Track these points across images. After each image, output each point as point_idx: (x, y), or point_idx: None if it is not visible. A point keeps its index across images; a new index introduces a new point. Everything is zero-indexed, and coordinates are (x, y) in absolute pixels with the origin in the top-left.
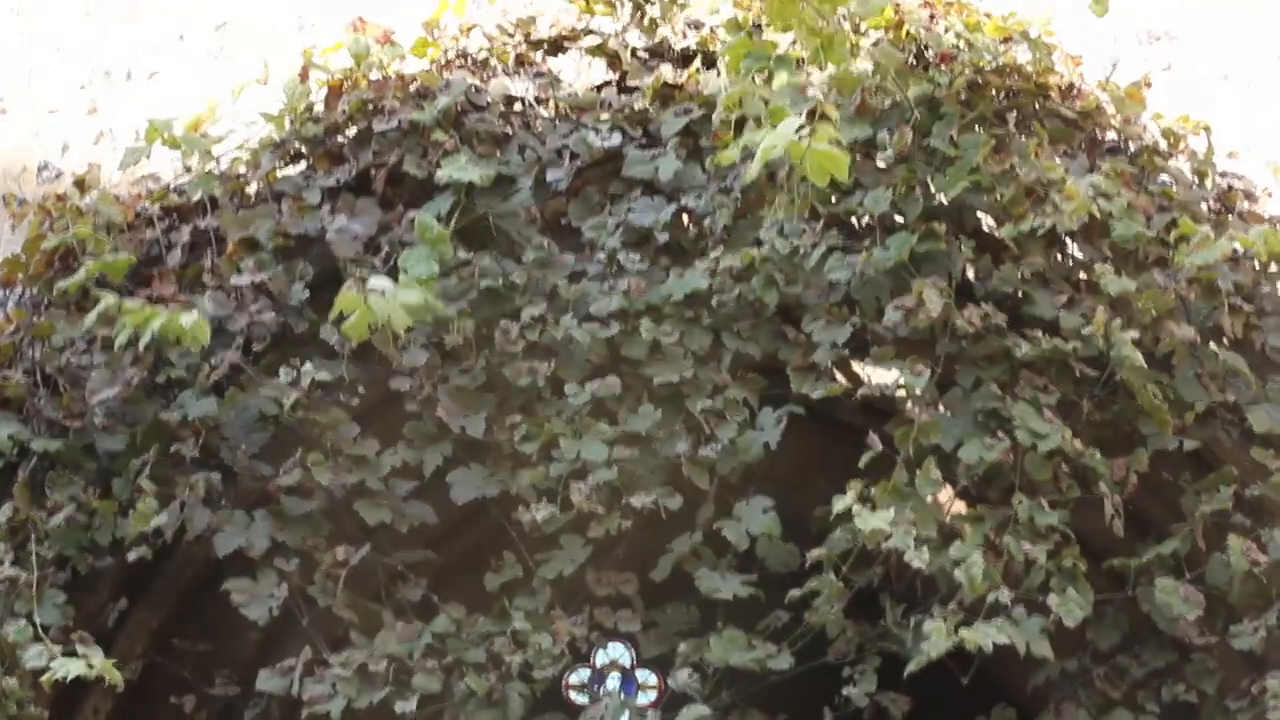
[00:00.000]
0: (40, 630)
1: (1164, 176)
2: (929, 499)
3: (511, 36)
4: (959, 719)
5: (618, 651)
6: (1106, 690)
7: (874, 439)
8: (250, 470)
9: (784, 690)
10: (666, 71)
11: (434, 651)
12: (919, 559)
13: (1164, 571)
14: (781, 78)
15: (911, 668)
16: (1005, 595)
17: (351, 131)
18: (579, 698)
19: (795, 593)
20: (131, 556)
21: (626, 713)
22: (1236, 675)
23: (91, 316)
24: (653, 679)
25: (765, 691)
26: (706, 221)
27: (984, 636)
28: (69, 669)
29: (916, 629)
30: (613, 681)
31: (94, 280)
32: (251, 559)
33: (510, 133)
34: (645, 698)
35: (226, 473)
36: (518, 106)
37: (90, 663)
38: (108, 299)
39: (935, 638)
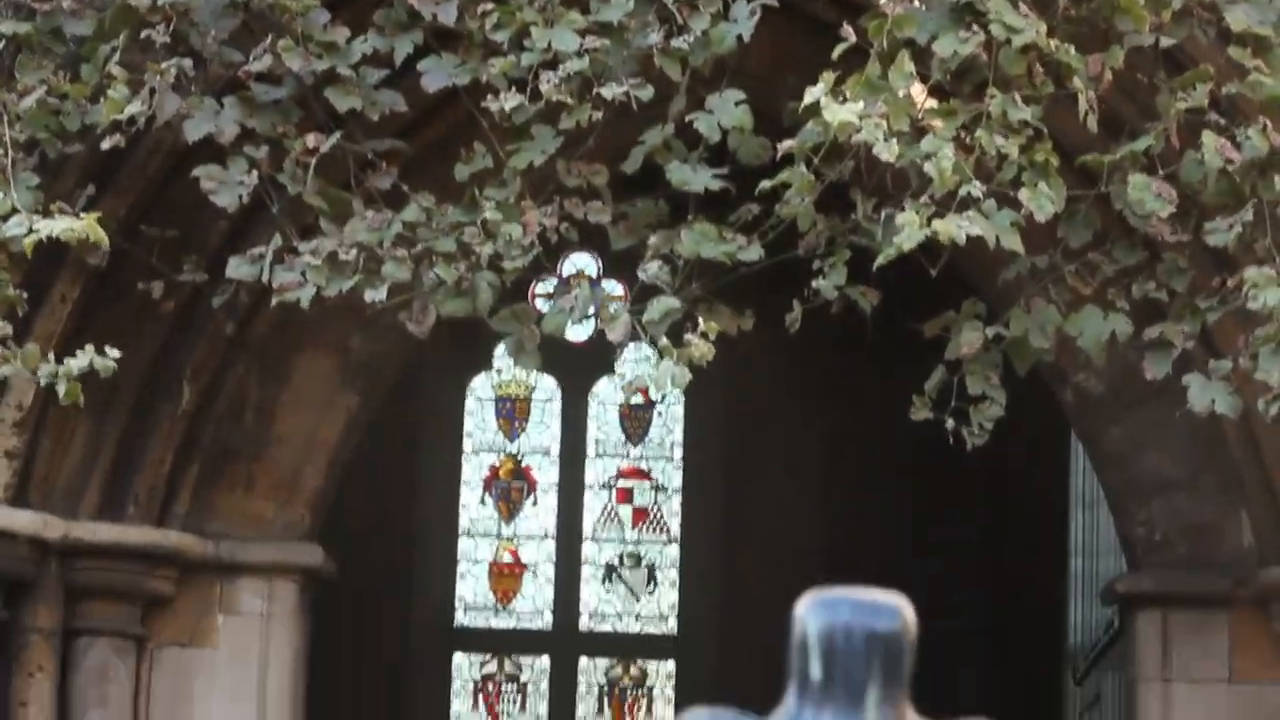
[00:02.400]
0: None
1: None
2: (901, 93)
3: None
4: (928, 315)
5: (584, 262)
6: (1077, 287)
7: (847, 31)
8: (220, 56)
9: (753, 284)
10: None
11: (404, 240)
12: (888, 151)
13: (1137, 168)
14: None
15: (881, 260)
16: (976, 189)
17: None
18: (546, 306)
19: (766, 185)
20: (105, 145)
21: (595, 302)
22: (1206, 274)
23: None
24: (619, 289)
25: (734, 285)
26: None
27: (956, 228)
28: (52, 228)
29: (887, 223)
30: (583, 282)
31: None
32: (221, 146)
33: None
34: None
35: (196, 59)
36: None
37: (71, 226)
38: None
39: (909, 229)
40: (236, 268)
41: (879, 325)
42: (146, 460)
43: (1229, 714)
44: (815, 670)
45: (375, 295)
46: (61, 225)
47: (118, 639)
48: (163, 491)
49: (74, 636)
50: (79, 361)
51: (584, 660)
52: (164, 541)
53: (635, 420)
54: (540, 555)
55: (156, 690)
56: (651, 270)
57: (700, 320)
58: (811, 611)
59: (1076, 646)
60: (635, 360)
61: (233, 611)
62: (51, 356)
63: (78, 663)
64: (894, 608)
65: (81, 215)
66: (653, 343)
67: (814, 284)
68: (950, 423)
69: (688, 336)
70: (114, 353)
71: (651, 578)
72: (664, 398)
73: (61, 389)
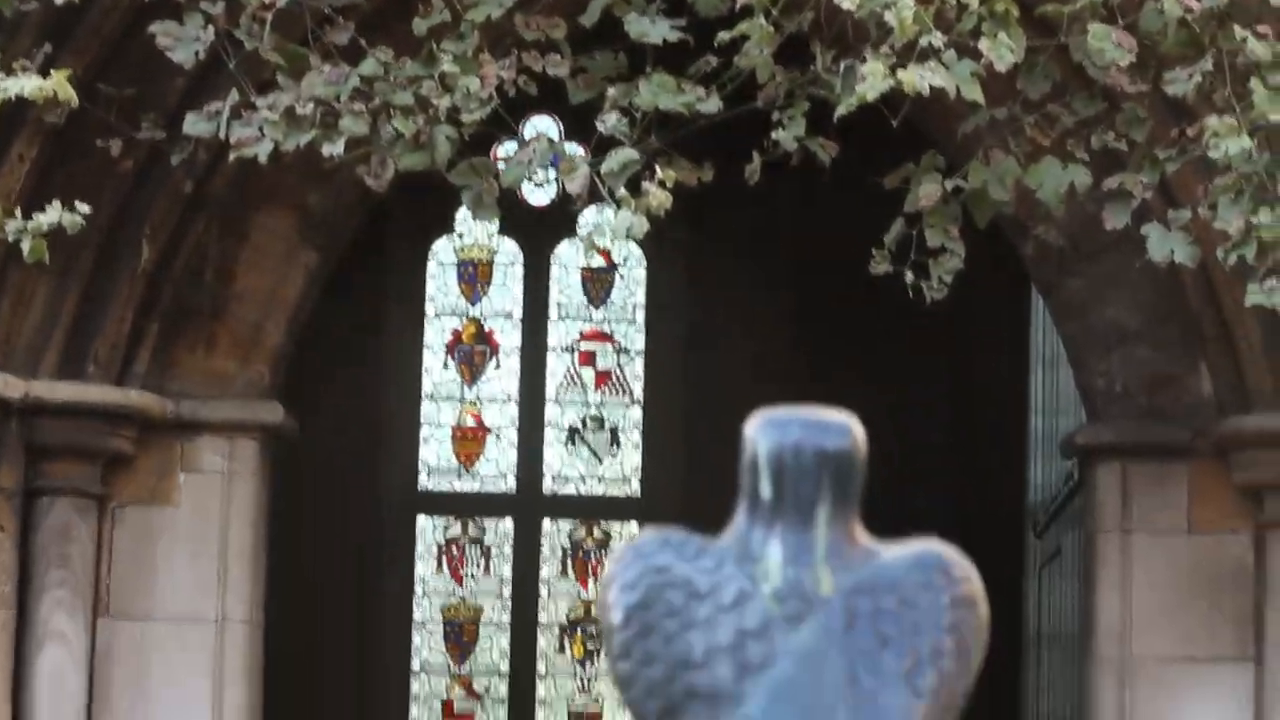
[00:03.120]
0: None
1: None
2: None
3: None
4: (888, 169)
5: (545, 125)
6: (1036, 138)
7: None
8: None
9: (712, 139)
10: None
11: (361, 95)
12: (849, 1)
13: (1096, 18)
14: None
15: (842, 110)
16: (937, 39)
17: None
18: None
19: (725, 36)
20: (60, 1)
21: (555, 155)
22: (1165, 124)
23: None
24: (579, 150)
25: (693, 137)
26: None
27: (919, 79)
28: (21, 87)
29: (846, 75)
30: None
31: None
32: (177, 2)
33: None
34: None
35: None
36: None
37: (40, 84)
38: None
39: (872, 79)
40: (194, 124)
41: (839, 181)
42: (106, 319)
43: (1188, 564)
44: (765, 489)
45: (333, 149)
46: (30, 84)
47: (79, 498)
48: (123, 350)
49: (35, 496)
50: (47, 217)
51: (547, 523)
52: (124, 400)
53: (597, 283)
54: (503, 419)
55: (118, 549)
56: (610, 122)
57: (658, 170)
58: (761, 431)
59: (1037, 503)
60: (596, 225)
61: (194, 470)
62: (18, 213)
63: (39, 522)
64: (844, 426)
65: (48, 74)
66: (611, 195)
67: (773, 135)
68: (910, 276)
69: (645, 185)
70: (83, 208)
71: (615, 440)
72: (626, 260)
73: (26, 246)
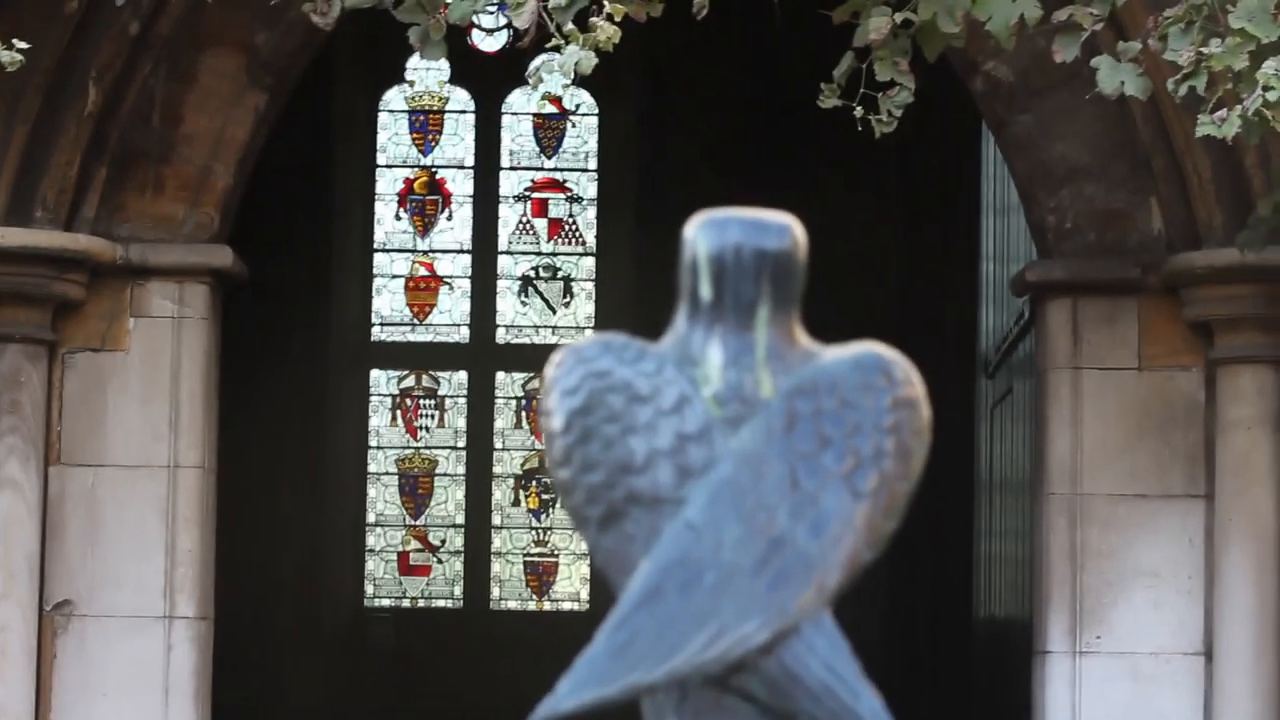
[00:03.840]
0: None
1: None
2: None
3: None
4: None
5: None
6: None
7: None
8: None
9: None
10: None
11: None
12: None
13: None
14: None
15: None
16: None
17: None
18: None
19: None
20: None
21: None
22: None
23: None
24: None
25: None
26: None
27: None
28: None
29: None
30: None
31: None
32: None
33: None
34: None
35: None
36: None
37: None
38: None
39: None
40: None
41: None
42: (53, 163)
43: (1138, 400)
44: (705, 291)
45: None
46: None
47: (29, 344)
48: (71, 195)
49: None
50: None
51: (501, 375)
52: (73, 245)
53: (549, 131)
54: (456, 269)
55: (69, 394)
56: None
57: (606, 4)
58: (701, 232)
59: (988, 348)
60: (544, 62)
61: (143, 314)
62: None
63: None
64: (783, 226)
65: None
66: (559, 30)
67: None
68: (859, 110)
69: (594, 20)
70: (21, 44)
71: (568, 290)
72: (578, 108)
73: None
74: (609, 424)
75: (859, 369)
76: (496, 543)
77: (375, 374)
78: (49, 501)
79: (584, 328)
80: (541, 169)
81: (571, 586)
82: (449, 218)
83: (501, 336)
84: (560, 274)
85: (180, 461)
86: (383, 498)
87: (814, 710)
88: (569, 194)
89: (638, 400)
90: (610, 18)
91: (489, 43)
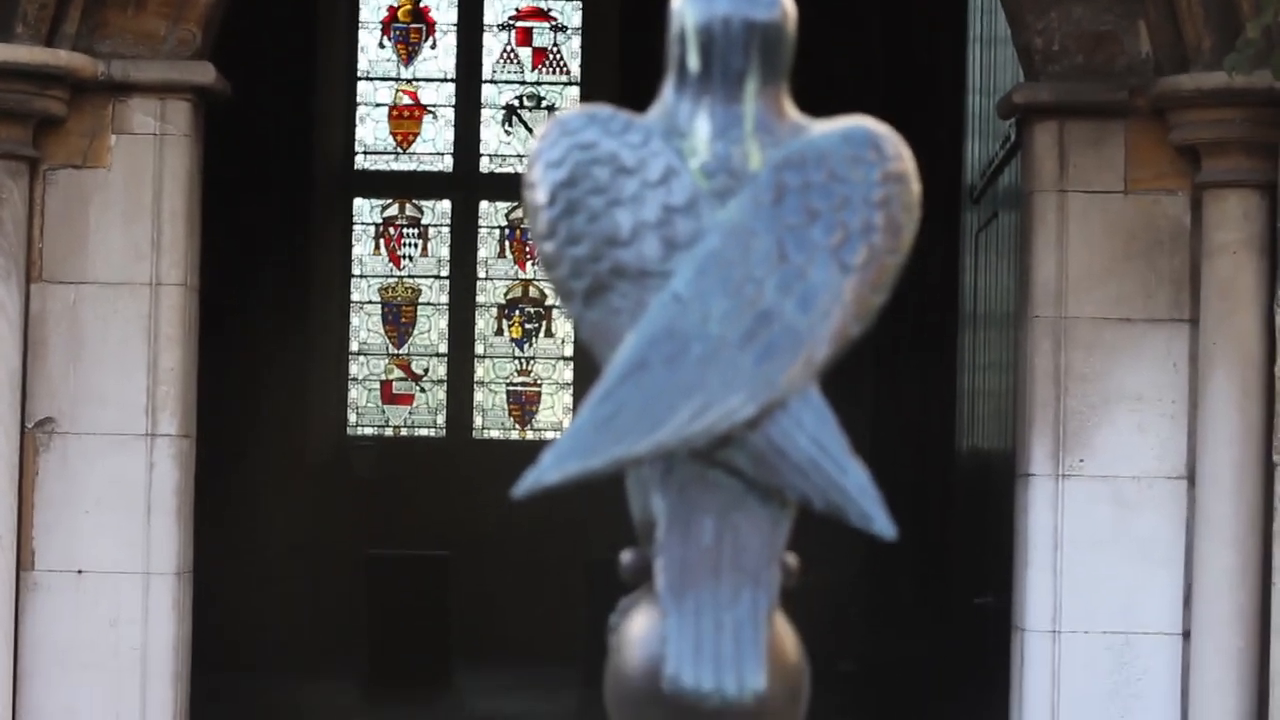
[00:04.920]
0: None
1: None
2: None
3: None
4: None
5: None
6: None
7: None
8: None
9: None
10: None
11: None
12: None
13: None
14: None
15: None
16: None
17: None
18: None
19: None
20: None
21: None
22: None
23: None
24: None
25: None
26: None
27: None
28: None
29: None
30: None
31: None
32: None
33: None
34: None
35: None
36: None
37: None
38: None
39: None
40: None
41: None
42: None
43: (1124, 224)
44: (693, 62)
45: None
46: None
47: (10, 161)
48: (52, 10)
49: None
50: None
51: (485, 204)
52: (54, 61)
53: None
54: (440, 97)
55: (50, 211)
56: None
57: None
58: (689, 3)
59: (973, 176)
60: None
61: (125, 131)
62: None
63: None
64: None
65: None
66: None
67: None
68: None
69: None
70: None
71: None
72: None
73: None
74: (594, 196)
75: (848, 143)
76: (479, 372)
77: (359, 202)
78: (30, 319)
79: None
80: None
81: (554, 416)
82: (433, 46)
83: (485, 166)
84: (544, 103)
85: (162, 279)
86: (365, 326)
87: (800, 484)
88: (553, 22)
89: (624, 172)
90: None
91: None
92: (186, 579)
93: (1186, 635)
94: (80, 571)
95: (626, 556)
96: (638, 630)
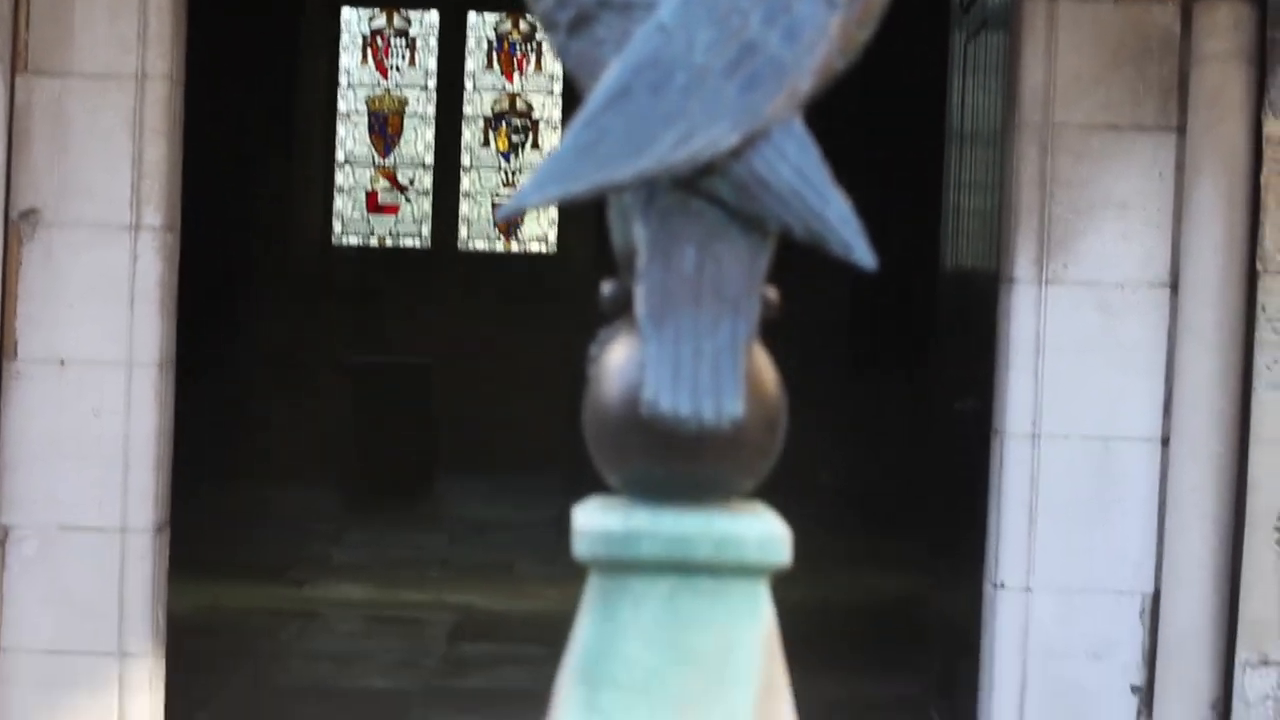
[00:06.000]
0: None
1: None
2: None
3: None
4: None
5: None
6: None
7: None
8: None
9: None
10: None
11: None
12: None
13: None
14: None
15: None
16: None
17: None
18: None
19: None
20: None
21: None
22: None
23: None
24: None
25: None
26: None
27: None
28: None
29: None
30: None
31: None
32: None
33: None
34: None
35: None
36: None
37: None
38: None
39: None
40: None
41: None
42: None
43: (1114, 31)
44: None
45: None
46: None
47: None
48: None
49: None
50: None
51: (473, 15)
52: None
53: None
54: None
55: (36, 3)
56: None
57: None
58: None
59: None
60: None
61: None
62: None
63: None
64: None
65: None
66: None
67: None
68: None
69: None
70: None
71: None
72: None
73: None
74: None
75: None
76: (465, 183)
77: (347, 12)
78: (15, 111)
79: None
80: None
81: (539, 228)
82: None
83: None
84: None
85: (148, 72)
86: (352, 136)
87: (782, 213)
88: None
89: None
90: None
91: None
92: (169, 370)
93: (1165, 441)
94: (63, 362)
95: (607, 287)
96: (617, 359)
